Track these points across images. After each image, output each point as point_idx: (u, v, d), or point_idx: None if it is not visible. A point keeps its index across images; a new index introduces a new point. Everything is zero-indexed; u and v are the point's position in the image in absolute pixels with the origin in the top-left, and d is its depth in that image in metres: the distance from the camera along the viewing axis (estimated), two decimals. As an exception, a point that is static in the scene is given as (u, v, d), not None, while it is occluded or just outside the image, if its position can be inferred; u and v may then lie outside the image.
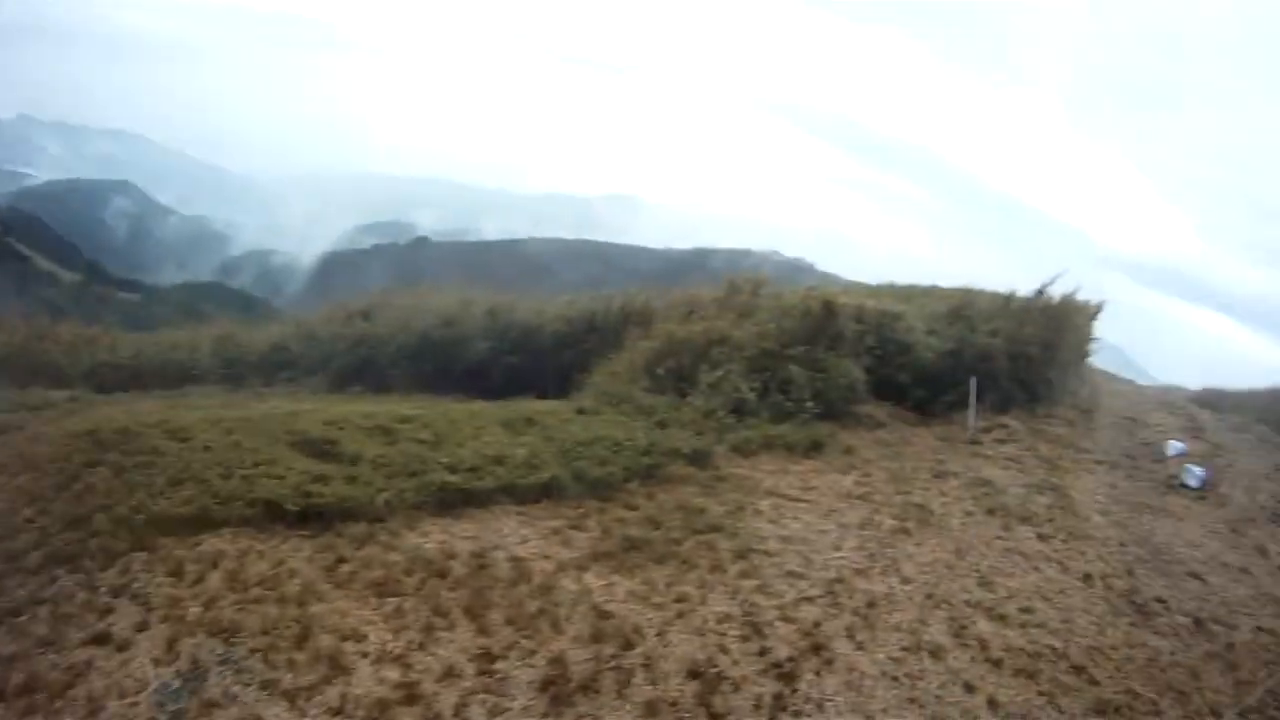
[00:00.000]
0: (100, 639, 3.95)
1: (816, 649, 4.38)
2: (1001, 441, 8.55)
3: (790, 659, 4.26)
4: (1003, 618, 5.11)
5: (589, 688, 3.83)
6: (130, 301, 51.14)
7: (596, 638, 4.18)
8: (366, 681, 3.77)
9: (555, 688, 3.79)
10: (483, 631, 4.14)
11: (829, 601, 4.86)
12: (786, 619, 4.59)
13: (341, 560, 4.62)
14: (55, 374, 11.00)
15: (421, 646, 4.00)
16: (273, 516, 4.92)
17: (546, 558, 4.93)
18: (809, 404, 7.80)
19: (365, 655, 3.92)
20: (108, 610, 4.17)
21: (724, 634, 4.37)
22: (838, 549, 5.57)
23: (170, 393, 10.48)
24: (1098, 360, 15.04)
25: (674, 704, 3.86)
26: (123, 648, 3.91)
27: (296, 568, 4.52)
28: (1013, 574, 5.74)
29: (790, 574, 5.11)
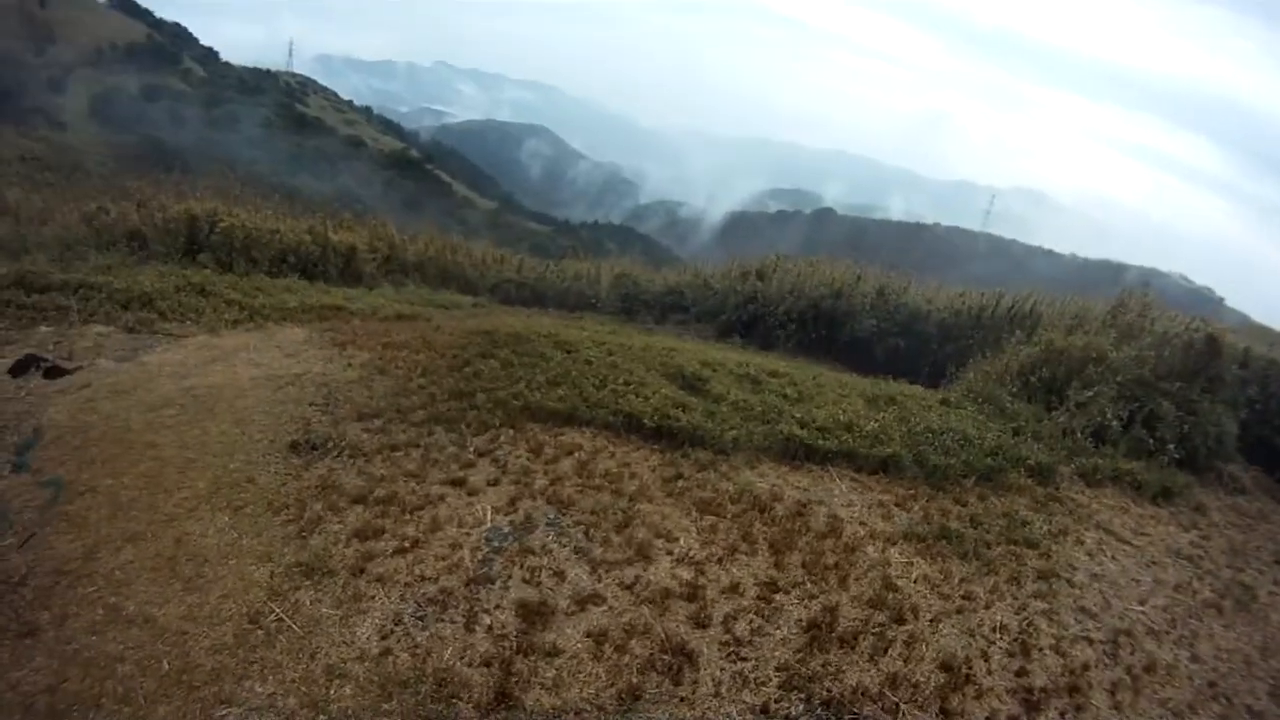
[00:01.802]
0: (456, 482, 5.01)
1: (1072, 690, 4.27)
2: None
3: (1044, 689, 4.20)
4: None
5: (846, 643, 4.18)
6: (540, 232, 57.05)
7: (874, 603, 4.54)
8: (662, 573, 4.45)
9: (818, 630, 4.19)
10: (777, 566, 4.73)
11: (1108, 649, 4.68)
12: (1058, 650, 4.54)
13: (680, 476, 5.49)
14: (465, 283, 13.14)
15: (720, 561, 4.66)
16: (630, 427, 5.93)
17: (862, 524, 5.37)
18: (1171, 446, 7.16)
19: (670, 554, 4.63)
20: (469, 464, 5.22)
21: (991, 642, 4.46)
22: (1142, 603, 5.25)
23: (566, 314, 12.15)
24: None
25: (917, 686, 3.97)
26: (473, 493, 4.92)
27: (638, 472, 5.47)
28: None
29: (1083, 610, 4.99)
